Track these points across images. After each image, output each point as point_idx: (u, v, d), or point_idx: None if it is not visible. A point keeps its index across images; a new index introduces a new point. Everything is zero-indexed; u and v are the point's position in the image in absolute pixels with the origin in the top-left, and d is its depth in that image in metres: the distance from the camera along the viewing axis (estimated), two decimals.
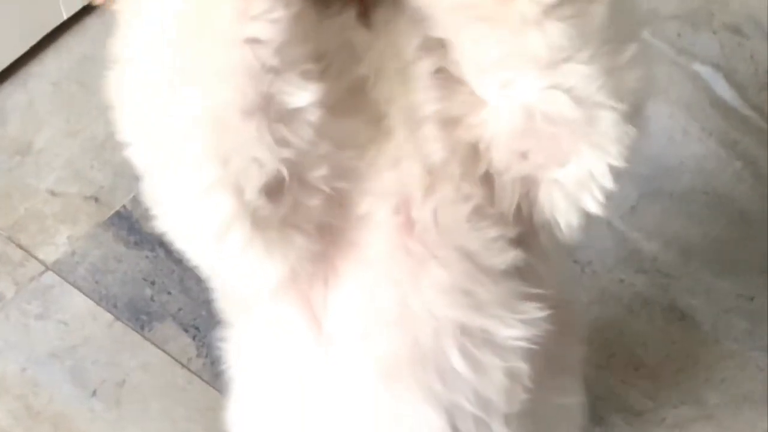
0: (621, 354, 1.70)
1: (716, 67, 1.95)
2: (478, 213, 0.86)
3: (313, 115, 0.79)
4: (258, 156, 0.79)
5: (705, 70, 1.95)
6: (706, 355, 1.70)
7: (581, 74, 0.80)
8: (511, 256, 0.87)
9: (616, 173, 0.85)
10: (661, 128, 1.89)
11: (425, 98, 0.84)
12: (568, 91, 0.80)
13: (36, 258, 1.77)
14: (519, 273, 0.89)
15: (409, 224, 0.85)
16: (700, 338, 1.71)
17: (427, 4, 0.80)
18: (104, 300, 1.74)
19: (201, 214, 0.81)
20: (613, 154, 0.84)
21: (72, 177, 1.84)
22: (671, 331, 1.71)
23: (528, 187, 0.86)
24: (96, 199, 1.82)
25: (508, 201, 0.87)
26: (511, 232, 0.87)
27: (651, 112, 1.84)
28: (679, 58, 1.97)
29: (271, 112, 0.78)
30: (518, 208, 0.87)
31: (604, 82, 0.81)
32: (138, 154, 0.84)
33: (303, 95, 0.78)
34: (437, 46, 0.84)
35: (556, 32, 0.78)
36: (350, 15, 0.84)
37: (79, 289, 1.75)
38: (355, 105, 0.83)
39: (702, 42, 1.99)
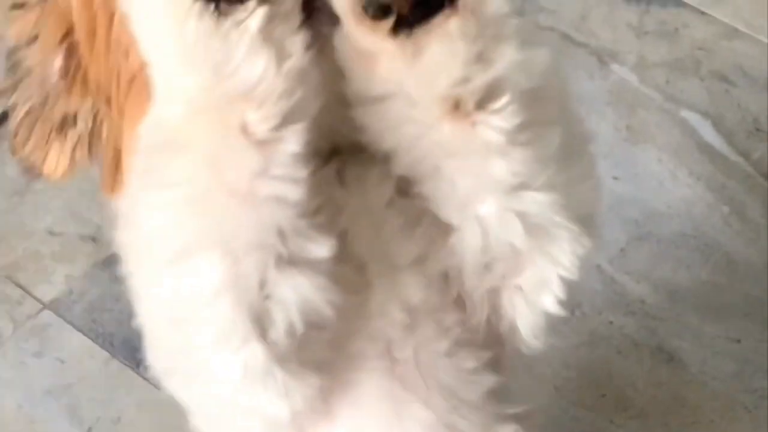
0: (610, 395, 1.71)
1: (704, 113, 1.98)
2: (456, 344, 0.87)
3: (327, 265, 0.79)
4: (281, 302, 0.78)
5: (693, 117, 1.98)
6: (694, 397, 1.70)
7: (537, 200, 0.80)
8: (488, 383, 0.89)
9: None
10: (650, 173, 1.92)
11: (398, 250, 0.85)
12: (523, 216, 0.81)
13: (34, 297, 1.79)
14: (495, 395, 0.90)
15: (393, 366, 0.86)
16: (688, 380, 1.71)
17: (397, 151, 0.80)
18: (101, 338, 1.75)
19: (235, 367, 0.80)
20: (566, 266, 0.84)
21: (69, 217, 1.86)
22: (659, 372, 1.72)
23: (494, 299, 0.87)
24: (93, 239, 1.84)
25: (478, 320, 0.88)
26: (486, 355, 0.88)
27: (640, 157, 1.90)
28: (667, 104, 2.00)
29: (288, 264, 0.77)
30: (488, 325, 0.88)
31: (559, 205, 0.81)
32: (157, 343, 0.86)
33: (320, 249, 0.78)
34: (406, 192, 0.84)
35: (518, 158, 0.78)
36: (330, 171, 0.85)
37: (76, 327, 1.76)
38: (340, 254, 0.81)
39: (690, 89, 2.02)
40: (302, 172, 0.75)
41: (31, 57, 0.94)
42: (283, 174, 0.74)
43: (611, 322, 1.77)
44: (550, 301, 0.86)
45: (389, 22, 0.75)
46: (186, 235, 0.76)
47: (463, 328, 0.87)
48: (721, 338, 1.75)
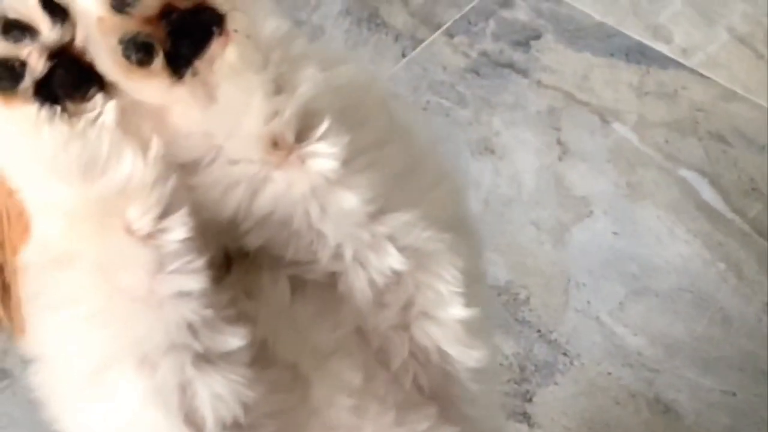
0: None
1: (702, 172, 2.02)
2: (400, 410, 0.83)
3: (245, 357, 0.75)
4: (207, 399, 0.73)
5: (691, 175, 2.01)
6: None
7: (400, 220, 0.77)
8: None
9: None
10: (648, 229, 1.95)
11: (321, 339, 0.81)
12: (392, 239, 0.77)
13: None
14: None
15: None
16: (684, 431, 1.74)
17: (244, 220, 0.76)
18: None
19: None
20: (449, 280, 0.81)
21: None
22: (656, 423, 1.74)
23: (408, 334, 0.83)
24: None
25: (404, 366, 0.84)
26: (433, 410, 0.85)
27: (639, 213, 1.93)
28: (666, 163, 2.03)
29: (205, 360, 0.73)
30: (419, 370, 0.84)
31: (422, 218, 0.78)
32: None
33: (233, 339, 0.73)
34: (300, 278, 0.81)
35: (364, 184, 0.74)
36: (233, 283, 0.80)
37: None
38: (267, 360, 0.78)
39: (688, 149, 2.06)
40: (198, 261, 0.71)
41: None
42: (179, 266, 0.70)
43: (609, 373, 1.79)
44: (456, 311, 0.82)
45: (158, 61, 0.70)
46: (95, 353, 0.71)
47: (399, 389, 0.84)
48: (717, 391, 1.77)
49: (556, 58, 2.20)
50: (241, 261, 0.79)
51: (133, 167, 0.69)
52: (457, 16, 2.29)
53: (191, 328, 0.71)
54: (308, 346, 0.81)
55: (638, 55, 2.20)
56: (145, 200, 0.70)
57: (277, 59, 0.72)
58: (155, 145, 0.70)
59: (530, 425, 1.74)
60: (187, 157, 0.72)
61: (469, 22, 2.28)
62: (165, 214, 0.70)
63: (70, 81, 0.71)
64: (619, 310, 1.86)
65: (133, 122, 0.71)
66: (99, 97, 0.71)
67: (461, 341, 0.83)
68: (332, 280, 0.80)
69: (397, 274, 0.79)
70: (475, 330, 0.84)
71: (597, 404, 1.76)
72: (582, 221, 1.97)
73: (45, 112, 0.69)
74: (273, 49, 0.72)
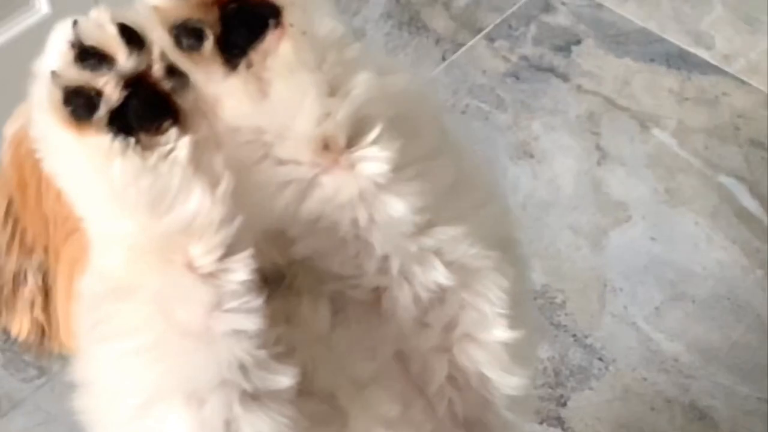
0: None
1: (740, 178, 2.01)
2: None
3: (291, 395, 0.73)
4: None
5: (730, 182, 2.01)
6: None
7: (449, 234, 0.76)
8: None
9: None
10: (686, 235, 1.95)
11: (358, 368, 0.80)
12: (439, 254, 0.76)
13: None
14: None
15: None
16: None
17: (291, 226, 0.75)
18: None
19: None
20: (493, 300, 0.79)
21: None
22: (691, 430, 1.74)
23: (447, 364, 0.82)
24: None
25: (441, 390, 0.83)
26: None
27: (677, 219, 1.92)
28: (705, 169, 2.03)
29: (252, 399, 0.72)
30: (453, 398, 0.83)
31: (471, 235, 0.77)
32: None
33: (283, 379, 0.72)
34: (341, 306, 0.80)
35: (413, 192, 0.73)
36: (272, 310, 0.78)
37: None
38: (306, 390, 0.76)
39: (728, 155, 2.05)
40: (256, 301, 0.70)
41: None
42: (237, 306, 0.69)
43: (645, 379, 1.79)
44: (500, 333, 0.80)
45: (208, 46, 0.69)
46: (145, 386, 0.71)
47: (433, 416, 0.83)
48: (753, 398, 1.77)
49: (597, 63, 2.20)
50: (277, 285, 0.78)
51: (200, 205, 0.68)
52: (498, 20, 2.29)
53: (242, 367, 0.70)
54: (346, 376, 0.80)
55: (679, 60, 2.19)
56: (209, 239, 0.69)
57: (332, 60, 0.71)
58: (225, 182, 0.69)
59: (564, 430, 1.74)
60: (236, 154, 0.71)
61: (510, 27, 2.28)
62: (228, 254, 0.69)
63: (145, 112, 0.69)
64: (655, 316, 1.85)
65: (204, 158, 0.70)
66: (173, 131, 0.69)
67: (503, 366, 0.82)
68: (375, 298, 0.79)
69: (442, 291, 0.78)
70: (517, 355, 0.82)
71: (632, 410, 1.76)
72: (620, 226, 1.97)
73: (118, 143, 0.68)
74: (329, 49, 0.71)
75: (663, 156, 2.06)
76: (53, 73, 0.68)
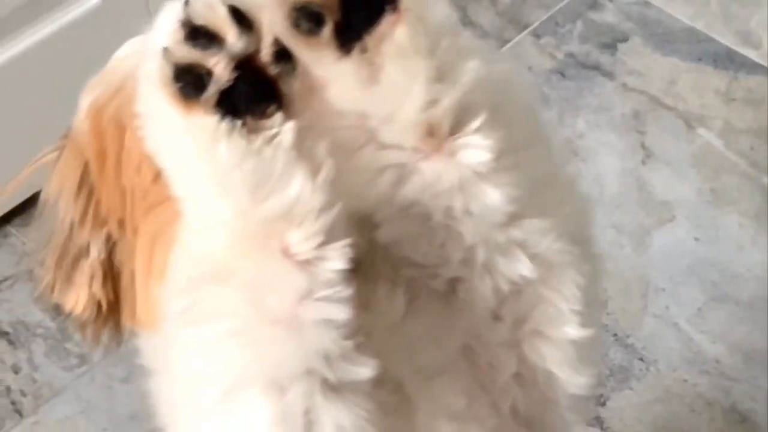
0: None
1: None
2: None
3: (370, 387, 0.73)
4: (326, 429, 0.72)
5: None
6: None
7: (535, 227, 0.76)
8: None
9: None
10: (730, 236, 1.93)
11: (428, 359, 0.80)
12: (524, 246, 0.76)
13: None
14: None
15: None
16: None
17: (381, 213, 0.74)
18: None
19: None
20: (568, 297, 0.79)
21: None
22: None
23: (515, 360, 0.81)
24: None
25: (505, 387, 0.82)
26: None
27: (721, 220, 1.91)
28: (751, 170, 2.01)
29: (332, 390, 0.72)
30: (516, 396, 0.83)
31: (555, 229, 0.77)
32: None
33: (364, 370, 0.72)
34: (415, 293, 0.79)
35: (510, 182, 0.73)
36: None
37: None
38: (376, 378, 0.75)
39: None
40: (347, 291, 0.70)
41: (61, 208, 0.92)
42: (328, 295, 0.69)
43: (686, 380, 1.78)
44: (572, 330, 0.80)
45: (327, 32, 0.69)
46: (231, 373, 0.71)
47: (496, 412, 0.82)
48: None
49: (643, 62, 2.19)
50: (354, 271, 0.76)
51: (301, 191, 0.68)
52: (545, 17, 2.28)
53: (327, 357, 0.70)
54: (414, 366, 0.79)
55: (726, 60, 2.17)
56: (308, 226, 0.68)
57: (445, 46, 0.71)
58: (326, 169, 0.69)
59: (603, 429, 1.74)
60: (338, 137, 0.72)
61: (557, 24, 2.27)
62: (326, 242, 0.69)
63: (252, 95, 0.69)
64: (697, 317, 1.84)
65: (307, 144, 0.70)
66: (278, 116, 0.69)
67: (571, 364, 0.81)
68: (449, 288, 0.78)
69: (521, 285, 0.77)
70: (585, 354, 0.82)
71: (671, 411, 1.75)
72: (663, 226, 1.96)
73: (225, 124, 0.68)
74: (442, 35, 0.71)
75: (708, 156, 2.04)
76: (165, 50, 0.68)
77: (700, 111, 2.11)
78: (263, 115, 0.69)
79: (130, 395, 1.78)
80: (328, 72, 0.70)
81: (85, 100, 0.89)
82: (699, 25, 2.24)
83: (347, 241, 0.69)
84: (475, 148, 0.71)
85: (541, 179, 0.76)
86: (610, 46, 2.22)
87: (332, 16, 0.69)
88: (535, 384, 0.82)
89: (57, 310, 0.97)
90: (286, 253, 0.69)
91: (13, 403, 1.77)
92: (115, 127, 0.86)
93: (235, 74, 0.68)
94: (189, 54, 0.68)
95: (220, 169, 0.68)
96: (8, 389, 1.78)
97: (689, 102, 2.12)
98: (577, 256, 0.78)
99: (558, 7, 2.30)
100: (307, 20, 0.69)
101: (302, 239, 0.68)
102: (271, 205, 0.68)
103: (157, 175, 0.80)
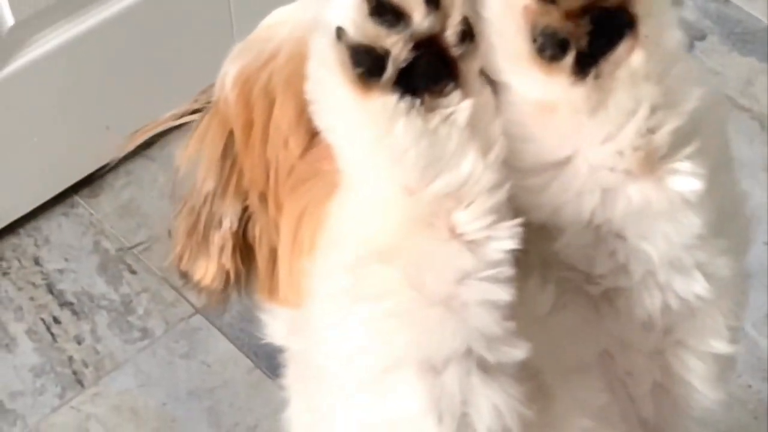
0: None
1: None
2: None
3: (519, 371, 0.72)
4: (480, 412, 0.71)
5: None
6: None
7: (717, 248, 0.75)
8: None
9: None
10: None
11: (569, 353, 0.79)
12: (701, 266, 0.75)
13: (187, 300, 1.84)
14: None
15: None
16: None
17: (566, 230, 0.74)
18: (246, 347, 1.80)
19: None
20: (727, 313, 0.78)
21: None
22: None
23: (656, 370, 0.81)
24: None
25: (641, 396, 0.82)
26: None
27: None
28: None
29: (485, 371, 0.70)
30: (650, 405, 0.82)
31: (729, 250, 0.76)
32: None
33: (517, 352, 0.71)
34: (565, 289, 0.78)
35: (709, 207, 0.72)
36: None
37: (224, 334, 1.82)
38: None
39: None
40: (510, 271, 0.69)
41: (199, 177, 0.91)
42: (492, 275, 0.68)
43: (750, 386, 1.76)
44: (721, 345, 0.79)
45: (569, 61, 0.68)
46: (388, 352, 0.70)
47: (626, 420, 0.82)
48: None
49: (720, 61, 2.16)
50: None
51: (473, 170, 0.67)
52: None
53: (488, 338, 0.69)
54: (555, 356, 0.78)
55: None
56: (478, 205, 0.68)
57: (675, 73, 0.70)
58: (498, 148, 0.68)
59: None
60: (542, 158, 0.71)
61: None
62: (496, 221, 0.68)
63: (432, 74, 0.68)
64: (763, 323, 1.81)
65: (481, 122, 0.69)
66: (456, 94, 0.68)
67: (712, 378, 0.81)
68: (605, 296, 0.78)
69: (691, 303, 0.76)
70: (726, 370, 0.82)
71: (734, 417, 1.72)
72: None
73: (403, 104, 0.67)
74: (674, 62, 0.70)
75: None
76: (340, 30, 0.67)
77: None
78: (441, 93, 0.68)
79: (190, 371, 1.79)
80: (559, 96, 0.69)
81: (232, 68, 0.88)
82: None
83: (518, 220, 0.69)
84: (688, 175, 0.71)
85: (729, 202, 0.76)
86: (687, 44, 2.19)
87: (578, 44, 0.68)
88: (671, 395, 0.81)
89: (185, 279, 0.97)
90: (452, 232, 0.68)
91: (74, 373, 1.78)
92: (264, 98, 0.85)
93: (414, 53, 0.67)
94: (371, 33, 0.66)
95: (396, 149, 0.67)
96: (71, 359, 1.80)
97: (765, 104, 2.09)
98: (741, 273, 0.79)
99: None
100: (552, 47, 0.68)
101: (471, 218, 0.68)
102: (441, 183, 0.67)
103: (305, 151, 0.80)
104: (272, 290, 0.91)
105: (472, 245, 0.68)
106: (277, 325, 0.93)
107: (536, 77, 0.69)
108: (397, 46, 0.66)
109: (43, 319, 1.84)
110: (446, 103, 0.68)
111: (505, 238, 0.68)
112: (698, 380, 0.80)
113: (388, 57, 0.66)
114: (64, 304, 1.85)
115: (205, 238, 0.92)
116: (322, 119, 0.71)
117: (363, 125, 0.67)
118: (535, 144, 0.71)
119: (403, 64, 0.66)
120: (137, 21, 1.88)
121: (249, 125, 0.86)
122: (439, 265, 0.68)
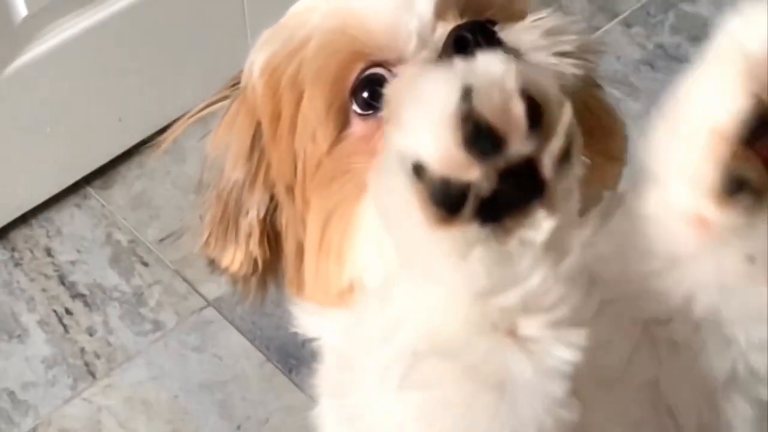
0: None
1: None
2: None
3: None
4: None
5: None
6: None
7: None
8: None
9: None
10: None
11: (607, 362, 0.74)
12: None
13: (199, 293, 1.85)
14: None
15: None
16: None
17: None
18: (258, 340, 1.80)
19: None
20: None
21: None
22: None
23: (706, 408, 0.76)
24: None
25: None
26: None
27: None
28: None
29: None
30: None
31: None
32: None
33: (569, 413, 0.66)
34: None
35: None
36: None
37: (236, 327, 1.82)
38: None
39: None
40: (570, 366, 0.63)
41: (228, 166, 0.90)
42: (548, 373, 0.63)
43: None
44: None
45: (746, 198, 0.62)
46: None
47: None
48: None
49: None
50: None
51: (542, 283, 0.61)
52: (636, 6, 2.25)
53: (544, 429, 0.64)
54: (596, 365, 0.72)
55: None
56: (542, 316, 0.62)
57: None
58: (571, 260, 0.62)
59: None
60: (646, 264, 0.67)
61: (648, 14, 2.24)
62: (558, 329, 0.62)
63: (519, 199, 0.60)
64: None
65: (561, 235, 0.61)
66: (540, 214, 0.60)
67: (756, 423, 0.77)
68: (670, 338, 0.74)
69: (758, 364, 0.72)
70: (765, 415, 0.77)
71: None
72: None
73: (483, 233, 0.59)
74: None
75: None
76: (419, 166, 0.58)
77: None
78: (525, 214, 0.60)
79: (202, 364, 1.79)
80: (716, 217, 0.63)
81: (259, 56, 0.86)
82: None
83: (584, 332, 0.63)
84: None
85: None
86: (702, 39, 2.17)
87: (760, 186, 0.62)
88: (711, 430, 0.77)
89: (212, 266, 0.97)
90: (512, 334, 0.62)
91: (86, 364, 1.78)
92: (292, 89, 0.83)
93: (501, 183, 0.58)
94: (459, 164, 0.58)
95: (469, 274, 0.60)
96: (83, 350, 1.80)
97: None
98: None
99: None
100: (737, 188, 0.62)
101: (533, 326, 0.62)
102: (510, 295, 0.61)
103: (333, 146, 0.78)
104: (300, 285, 0.89)
105: (533, 352, 0.62)
106: (311, 319, 0.91)
107: (705, 204, 0.63)
108: (484, 178, 0.58)
109: (55, 311, 1.84)
110: (528, 223, 0.60)
111: (565, 350, 0.63)
112: (742, 424, 0.76)
113: (471, 188, 0.58)
114: (76, 295, 1.85)
115: (234, 224, 0.91)
116: (387, 232, 0.65)
117: (432, 252, 0.61)
118: (640, 253, 0.66)
119: (488, 194, 0.58)
120: (149, 13, 1.88)
121: (276, 116, 0.85)
122: (497, 364, 0.62)
